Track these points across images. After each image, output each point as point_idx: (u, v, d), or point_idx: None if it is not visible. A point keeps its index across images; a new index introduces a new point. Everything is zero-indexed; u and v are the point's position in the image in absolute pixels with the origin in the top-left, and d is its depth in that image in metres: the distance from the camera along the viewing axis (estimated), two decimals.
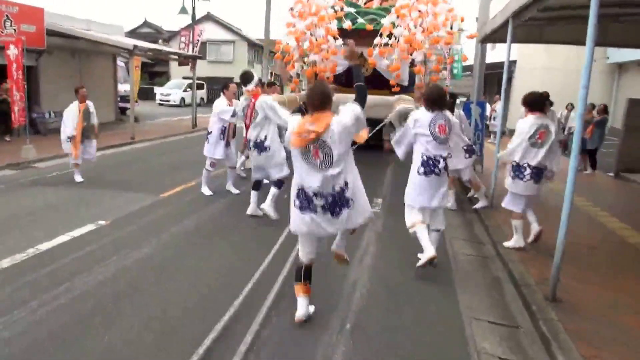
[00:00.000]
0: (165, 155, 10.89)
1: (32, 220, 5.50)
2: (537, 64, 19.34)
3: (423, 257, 4.24)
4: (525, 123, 4.92)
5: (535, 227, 5.06)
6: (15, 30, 10.83)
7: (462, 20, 8.59)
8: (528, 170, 4.87)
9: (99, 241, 4.83)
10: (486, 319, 3.59)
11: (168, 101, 26.98)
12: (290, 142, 3.16)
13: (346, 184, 3.14)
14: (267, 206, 5.51)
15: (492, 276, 4.45)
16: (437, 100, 4.32)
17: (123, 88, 18.31)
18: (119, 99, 17.53)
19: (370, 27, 8.47)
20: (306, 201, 3.16)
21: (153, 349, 3.00)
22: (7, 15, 10.75)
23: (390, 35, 7.97)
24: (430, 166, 4.29)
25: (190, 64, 17.66)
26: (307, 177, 3.14)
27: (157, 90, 28.33)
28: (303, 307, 3.36)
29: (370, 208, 3.35)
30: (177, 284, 3.95)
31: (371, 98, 9.15)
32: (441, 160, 4.30)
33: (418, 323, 3.46)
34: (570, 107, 13.42)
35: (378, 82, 8.56)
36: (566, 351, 3.04)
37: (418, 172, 4.33)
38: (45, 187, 7.16)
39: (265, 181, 6.07)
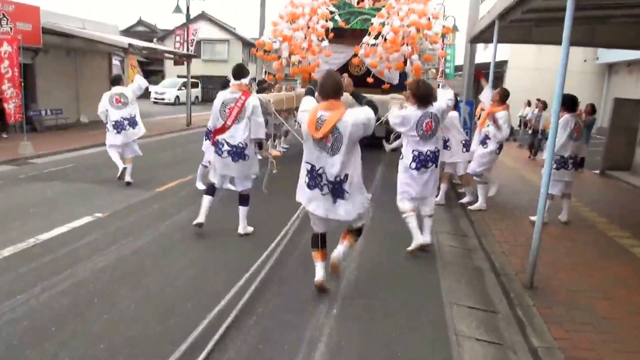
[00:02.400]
0: (160, 152, 11.03)
1: (32, 212, 5.65)
2: (528, 64, 19.62)
3: (413, 244, 4.66)
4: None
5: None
6: (11, 28, 10.93)
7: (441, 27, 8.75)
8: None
9: (97, 232, 5.00)
10: (466, 304, 3.79)
11: (163, 99, 27.08)
12: (304, 126, 3.43)
13: (346, 176, 3.41)
14: (243, 230, 5.10)
15: (474, 266, 4.66)
16: (425, 97, 4.50)
17: None
18: None
19: (342, 23, 8.72)
20: (315, 180, 3.47)
21: (151, 327, 3.17)
22: (3, 14, 10.84)
23: (377, 36, 8.14)
24: (421, 161, 4.57)
25: (185, 63, 17.77)
26: (316, 159, 3.45)
27: (152, 88, 28.37)
28: (321, 272, 3.69)
29: (366, 204, 3.62)
30: (174, 270, 4.13)
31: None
32: (431, 155, 4.57)
33: (401, 307, 3.66)
34: (543, 106, 12.47)
35: (371, 82, 8.73)
36: (539, 334, 3.24)
37: (410, 167, 4.61)
38: (43, 182, 7.30)
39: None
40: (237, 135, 4.83)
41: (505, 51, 19.66)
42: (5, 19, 10.91)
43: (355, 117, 3.35)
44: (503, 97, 6.34)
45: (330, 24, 8.56)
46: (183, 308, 3.47)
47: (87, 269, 4.06)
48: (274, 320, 3.37)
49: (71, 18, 14.50)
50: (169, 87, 27.86)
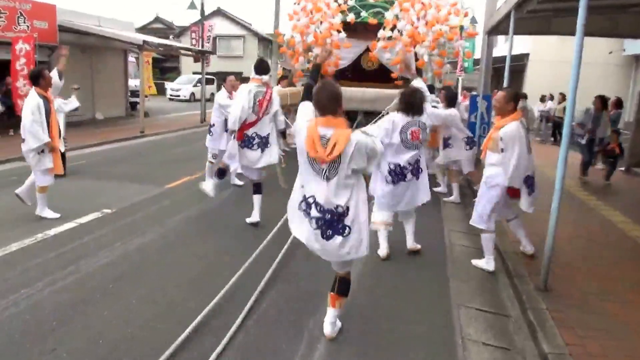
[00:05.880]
0: (173, 148, 11.08)
1: None
2: (549, 56, 19.05)
3: (382, 252, 4.50)
4: None
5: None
6: (28, 26, 11.09)
7: (466, 14, 8.51)
8: None
9: (104, 228, 5.01)
10: (475, 306, 3.65)
11: (178, 96, 27.27)
12: (301, 144, 2.85)
13: (348, 208, 2.81)
14: (254, 219, 5.29)
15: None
16: (414, 105, 4.25)
17: (134, 83, 18.58)
18: (129, 94, 17.81)
19: (374, 21, 8.46)
20: (307, 207, 2.90)
21: (152, 324, 3.16)
22: (20, 12, 11.02)
23: (393, 29, 7.96)
24: (397, 174, 4.29)
25: (202, 59, 17.87)
26: (309, 184, 2.88)
27: (168, 85, 28.62)
28: (329, 326, 3.11)
29: (366, 246, 2.90)
30: (179, 267, 4.10)
31: (374, 92, 8.96)
32: (410, 167, 4.29)
33: (406, 308, 3.55)
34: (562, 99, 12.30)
35: (383, 76, 8.59)
36: (551, 339, 3.10)
37: (386, 180, 4.33)
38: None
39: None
40: (264, 127, 5.12)
41: (527, 43, 19.17)
42: (22, 17, 11.08)
43: (359, 141, 2.74)
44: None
45: (352, 16, 8.43)
46: (185, 305, 3.42)
47: (92, 265, 4.06)
48: (276, 319, 3.30)
49: (87, 15, 14.65)
50: (184, 84, 28.02)
